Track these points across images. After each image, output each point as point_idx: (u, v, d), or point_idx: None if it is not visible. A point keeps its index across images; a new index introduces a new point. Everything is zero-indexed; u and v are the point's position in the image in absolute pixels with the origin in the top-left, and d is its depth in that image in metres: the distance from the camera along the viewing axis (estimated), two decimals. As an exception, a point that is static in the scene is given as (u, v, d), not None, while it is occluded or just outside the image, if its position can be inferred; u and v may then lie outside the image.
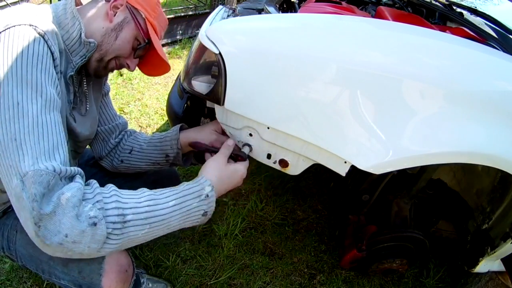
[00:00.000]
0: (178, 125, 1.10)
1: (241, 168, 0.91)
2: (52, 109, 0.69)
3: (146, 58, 0.98)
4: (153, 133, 2.24)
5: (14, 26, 0.68)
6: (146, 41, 0.90)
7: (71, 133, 0.92)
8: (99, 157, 1.13)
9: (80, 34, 0.82)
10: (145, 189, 0.74)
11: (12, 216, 0.92)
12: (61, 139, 0.68)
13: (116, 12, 0.86)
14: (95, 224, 0.62)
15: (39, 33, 0.70)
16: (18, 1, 2.71)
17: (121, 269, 0.86)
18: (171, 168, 1.31)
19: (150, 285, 1.29)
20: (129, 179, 1.18)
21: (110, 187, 0.71)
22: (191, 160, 1.14)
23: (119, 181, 1.13)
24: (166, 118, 2.36)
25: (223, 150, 0.93)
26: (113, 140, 1.11)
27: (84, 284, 0.85)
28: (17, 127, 0.63)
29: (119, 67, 0.94)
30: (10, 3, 2.69)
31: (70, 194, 0.62)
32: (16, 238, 0.90)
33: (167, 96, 1.25)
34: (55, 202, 0.61)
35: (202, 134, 1.06)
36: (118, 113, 1.17)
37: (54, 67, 0.73)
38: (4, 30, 0.67)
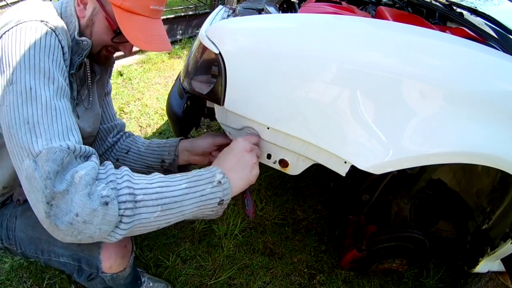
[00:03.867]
0: (179, 138, 1.12)
1: (252, 152, 0.85)
2: (63, 96, 0.69)
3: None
4: (153, 133, 2.24)
5: (26, 21, 0.70)
6: (117, 30, 0.83)
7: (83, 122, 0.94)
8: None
9: (75, 32, 0.82)
10: (157, 173, 0.72)
11: (11, 205, 0.92)
12: (74, 123, 0.68)
13: (87, 5, 0.83)
14: (106, 203, 0.60)
15: (50, 28, 0.72)
16: (18, 1, 2.71)
17: (120, 244, 0.85)
18: None
19: (151, 284, 1.29)
20: None
21: (123, 169, 0.68)
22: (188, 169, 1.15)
23: None
24: (166, 118, 2.36)
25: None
26: (110, 139, 1.13)
27: (83, 257, 0.85)
28: (29, 111, 0.62)
29: (115, 51, 0.93)
30: (10, 3, 2.68)
31: (84, 172, 0.60)
32: (16, 224, 0.90)
33: (167, 96, 1.25)
34: (69, 180, 0.59)
35: (198, 140, 1.07)
36: (117, 113, 1.18)
37: (64, 60, 0.75)
38: (16, 25, 0.69)
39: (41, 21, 0.71)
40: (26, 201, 0.84)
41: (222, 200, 0.75)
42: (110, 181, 0.63)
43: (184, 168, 1.15)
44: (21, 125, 0.62)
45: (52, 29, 0.72)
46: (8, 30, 0.69)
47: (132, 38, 0.80)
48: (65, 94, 0.70)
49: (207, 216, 0.77)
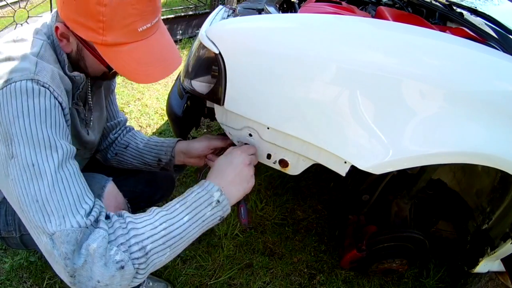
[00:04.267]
0: (177, 139, 1.12)
1: (245, 159, 0.85)
2: (68, 160, 0.68)
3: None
4: (153, 133, 2.24)
5: (16, 82, 0.65)
6: (107, 69, 0.79)
7: (86, 144, 0.95)
8: (96, 150, 1.14)
9: (65, 67, 0.78)
10: (156, 209, 0.73)
11: None
12: (83, 186, 0.68)
13: (69, 39, 0.76)
14: (122, 267, 0.64)
15: (43, 86, 0.67)
16: (18, 1, 2.71)
17: (118, 206, 0.86)
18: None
19: (151, 283, 1.29)
20: (123, 177, 1.18)
21: (127, 218, 0.69)
22: (183, 170, 1.14)
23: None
24: (166, 118, 2.36)
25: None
26: (112, 135, 1.13)
27: None
28: (36, 188, 0.62)
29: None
30: (10, 3, 2.69)
31: (97, 245, 0.63)
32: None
33: (167, 96, 1.25)
34: (85, 254, 0.62)
35: (194, 143, 1.07)
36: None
37: (64, 115, 0.72)
38: (6, 86, 0.64)
39: (32, 80, 0.65)
40: None
41: (223, 216, 0.78)
42: (121, 243, 0.65)
43: (180, 168, 1.15)
44: (30, 204, 0.62)
45: (45, 87, 0.67)
46: None
47: (128, 74, 0.73)
48: (70, 156, 0.69)
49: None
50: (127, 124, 1.21)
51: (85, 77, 0.84)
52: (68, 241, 0.61)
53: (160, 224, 0.69)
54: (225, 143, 1.04)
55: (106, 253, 0.63)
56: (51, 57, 0.75)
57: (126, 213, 0.70)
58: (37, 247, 0.89)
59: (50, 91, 0.67)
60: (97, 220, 0.67)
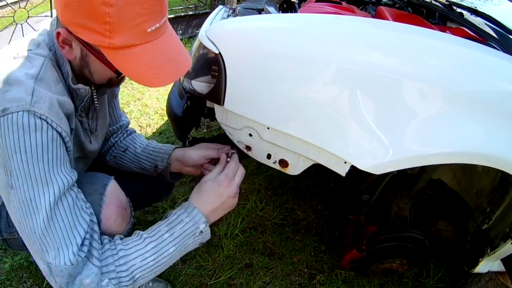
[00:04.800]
0: (176, 146, 1.11)
1: (232, 191, 0.84)
2: (64, 195, 0.69)
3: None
4: (153, 133, 2.24)
5: (12, 113, 0.63)
6: (116, 75, 0.77)
7: (89, 154, 0.96)
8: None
9: (68, 79, 0.76)
10: (144, 235, 0.76)
11: None
12: (77, 218, 0.70)
13: (71, 45, 0.72)
14: None
15: (40, 118, 0.65)
16: (18, 1, 2.71)
17: (120, 204, 0.86)
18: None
19: (150, 284, 1.29)
20: (123, 176, 1.17)
21: (118, 246, 0.73)
22: (179, 178, 1.15)
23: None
24: (166, 118, 2.36)
25: (217, 168, 0.89)
26: (112, 139, 1.13)
27: None
28: (34, 222, 0.66)
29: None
30: (10, 3, 2.69)
31: (90, 280, 0.68)
32: None
33: (167, 96, 1.25)
34: (78, 285, 0.68)
35: (190, 152, 1.05)
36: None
37: (65, 143, 0.72)
38: (3, 116, 0.63)
39: (29, 112, 0.63)
40: None
41: (202, 242, 0.83)
42: (112, 277, 0.70)
43: (177, 175, 1.14)
44: (29, 233, 0.66)
45: (42, 119, 0.65)
46: None
47: (138, 78, 0.69)
48: (66, 189, 0.69)
49: None
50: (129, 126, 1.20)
51: (90, 88, 0.83)
52: (62, 276, 0.66)
53: (150, 256, 0.74)
54: (218, 153, 1.01)
55: (98, 287, 0.69)
56: (51, 77, 0.72)
57: (117, 239, 0.75)
58: None
59: (48, 122, 0.66)
60: (89, 251, 0.70)
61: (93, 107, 0.92)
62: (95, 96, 0.89)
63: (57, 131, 0.68)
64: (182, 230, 0.78)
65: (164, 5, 0.70)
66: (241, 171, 0.88)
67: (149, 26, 0.67)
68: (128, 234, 0.90)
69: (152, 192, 1.25)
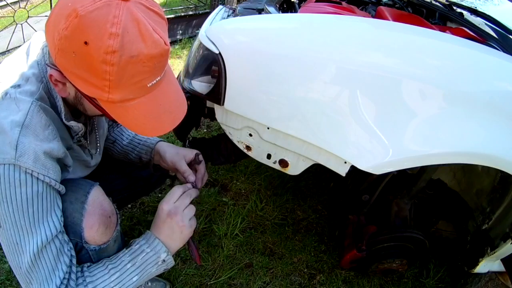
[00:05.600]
0: (160, 139, 1.12)
1: (187, 222, 0.87)
2: (49, 243, 0.71)
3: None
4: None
5: None
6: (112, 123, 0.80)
7: (92, 167, 0.98)
8: None
9: (61, 115, 0.75)
10: (109, 265, 0.80)
11: None
12: (59, 262, 0.73)
13: (65, 84, 0.69)
14: None
15: (26, 172, 0.65)
16: (18, 1, 2.71)
17: (103, 213, 0.83)
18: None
19: (149, 284, 1.29)
20: (119, 166, 1.20)
21: (86, 276, 0.77)
22: (162, 171, 1.15)
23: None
24: (166, 118, 2.35)
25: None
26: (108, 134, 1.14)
27: (67, 226, 0.82)
28: (20, 261, 0.70)
29: None
30: (10, 3, 2.69)
31: None
32: None
33: (167, 96, 1.25)
34: None
35: (168, 152, 1.06)
36: None
37: (56, 189, 0.73)
38: None
39: (14, 166, 0.64)
40: None
41: (167, 269, 0.87)
42: None
43: (159, 168, 1.14)
44: (16, 267, 0.71)
45: (28, 173, 0.65)
46: None
47: (135, 128, 0.70)
48: (53, 236, 0.71)
49: None
50: None
51: (85, 122, 0.85)
52: None
53: (115, 285, 0.78)
54: (192, 153, 1.02)
55: None
56: (39, 123, 0.69)
57: (85, 269, 0.78)
58: None
59: (33, 176, 0.66)
60: (67, 286, 0.74)
61: (95, 130, 0.95)
62: (89, 128, 0.90)
63: (44, 182, 0.69)
64: (144, 259, 0.82)
65: (167, 59, 0.68)
66: (192, 207, 0.90)
67: (150, 81, 0.66)
68: (115, 242, 0.90)
69: (149, 177, 1.26)
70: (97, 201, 0.83)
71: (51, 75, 0.67)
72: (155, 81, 0.67)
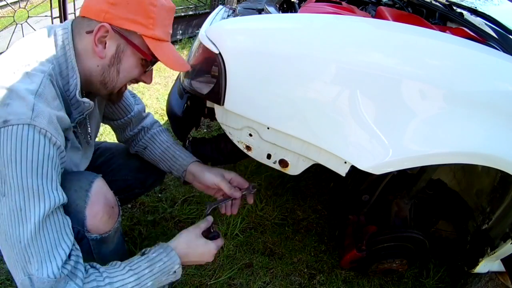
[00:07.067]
0: (194, 158, 1.14)
1: (213, 247, 0.96)
2: (54, 211, 0.71)
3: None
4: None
5: (13, 125, 0.66)
6: (153, 59, 0.86)
7: (88, 156, 1.00)
8: (119, 141, 1.24)
9: (75, 91, 0.80)
10: (126, 267, 0.81)
11: None
12: (63, 235, 0.72)
13: (105, 44, 0.79)
14: None
15: (40, 132, 0.68)
16: (18, 1, 2.71)
17: (107, 203, 0.86)
18: None
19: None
20: (115, 167, 1.22)
21: (102, 272, 0.77)
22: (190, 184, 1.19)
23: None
24: (166, 118, 2.36)
25: (201, 223, 0.97)
26: (128, 133, 1.17)
27: (69, 213, 0.82)
28: (21, 232, 0.67)
29: (135, 83, 0.94)
30: (10, 3, 2.69)
31: None
32: None
33: (167, 96, 1.25)
34: None
35: (207, 173, 1.09)
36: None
37: (61, 158, 0.75)
38: (4, 127, 0.66)
39: (29, 125, 0.66)
40: None
41: (174, 282, 0.90)
42: None
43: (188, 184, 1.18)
44: (15, 243, 0.67)
45: (42, 133, 0.68)
46: None
47: (169, 63, 0.84)
48: (56, 206, 0.71)
49: None
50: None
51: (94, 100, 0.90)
52: (43, 287, 0.67)
53: (131, 287, 0.78)
54: (230, 192, 1.05)
55: None
56: (50, 94, 0.74)
57: (101, 268, 0.78)
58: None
59: (47, 137, 0.69)
60: (74, 271, 0.72)
61: (87, 122, 0.96)
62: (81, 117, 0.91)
63: (56, 145, 0.71)
64: (160, 268, 0.84)
65: (173, 17, 0.89)
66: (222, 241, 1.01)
67: (169, 28, 0.86)
68: (115, 233, 0.93)
69: (145, 179, 1.27)
70: (100, 191, 0.85)
71: (101, 27, 0.77)
72: (170, 31, 0.87)
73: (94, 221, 0.83)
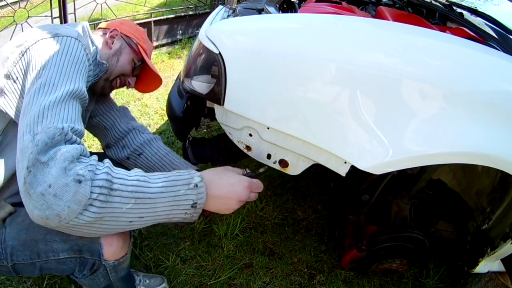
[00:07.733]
0: (193, 166, 1.14)
1: (246, 180, 0.83)
2: (79, 100, 0.78)
3: (141, 77, 1.20)
4: (153, 133, 2.23)
5: (63, 36, 0.83)
6: (140, 61, 1.13)
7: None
8: (106, 146, 1.23)
9: (96, 56, 1.00)
10: (138, 169, 0.74)
11: None
12: (78, 118, 0.76)
13: (113, 41, 1.08)
14: (80, 181, 0.62)
15: (82, 46, 0.84)
16: (18, 1, 2.71)
17: None
18: None
19: (147, 281, 1.29)
20: None
21: (106, 161, 0.71)
22: None
23: None
24: (166, 118, 2.36)
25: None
26: (116, 131, 1.19)
27: (84, 246, 0.82)
28: (46, 98, 0.71)
29: (122, 84, 1.14)
30: (10, 3, 2.68)
31: (66, 150, 0.65)
32: (6, 234, 0.85)
33: (167, 96, 1.25)
34: (51, 155, 0.64)
35: None
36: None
37: (88, 77, 0.88)
38: (55, 36, 0.82)
39: (75, 39, 0.84)
40: (13, 213, 0.85)
41: (196, 203, 0.74)
42: (90, 164, 0.66)
43: None
44: (34, 106, 0.70)
45: (83, 48, 0.84)
46: (46, 38, 0.82)
47: (151, 65, 1.14)
48: (81, 99, 0.79)
49: (182, 219, 0.76)
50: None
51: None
52: (46, 132, 0.66)
53: (136, 176, 0.70)
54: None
55: (72, 161, 0.64)
56: (85, 40, 0.92)
57: (106, 160, 0.72)
58: (29, 272, 0.89)
59: (86, 52, 0.85)
60: (79, 147, 0.69)
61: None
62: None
63: (88, 63, 0.86)
64: (175, 174, 0.75)
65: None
66: (260, 184, 0.87)
67: (150, 50, 1.20)
68: (130, 252, 0.93)
69: None
70: None
71: (110, 32, 1.08)
72: (150, 55, 1.21)
73: (110, 249, 0.83)
